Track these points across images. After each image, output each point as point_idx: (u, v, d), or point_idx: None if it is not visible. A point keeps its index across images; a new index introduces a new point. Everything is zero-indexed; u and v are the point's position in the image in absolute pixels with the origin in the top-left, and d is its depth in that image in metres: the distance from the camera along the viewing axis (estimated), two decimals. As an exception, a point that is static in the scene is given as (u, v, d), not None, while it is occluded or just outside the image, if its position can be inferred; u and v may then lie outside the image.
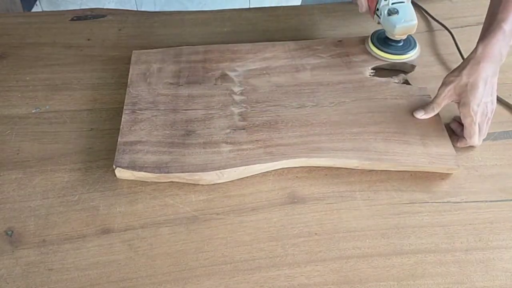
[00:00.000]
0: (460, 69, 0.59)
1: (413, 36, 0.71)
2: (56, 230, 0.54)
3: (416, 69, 0.70)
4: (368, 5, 0.68)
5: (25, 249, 0.52)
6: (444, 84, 0.60)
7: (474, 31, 0.78)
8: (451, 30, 0.77)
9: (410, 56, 0.70)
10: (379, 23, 0.68)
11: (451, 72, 0.60)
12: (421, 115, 0.61)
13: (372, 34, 0.72)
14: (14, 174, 0.59)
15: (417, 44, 0.71)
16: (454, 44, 0.76)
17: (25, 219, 0.54)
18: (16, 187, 0.57)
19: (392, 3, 0.66)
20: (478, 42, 0.60)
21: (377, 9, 0.67)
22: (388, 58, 0.69)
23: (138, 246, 0.52)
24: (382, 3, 0.66)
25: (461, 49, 0.74)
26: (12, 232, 0.53)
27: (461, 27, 0.79)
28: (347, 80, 0.67)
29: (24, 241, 0.53)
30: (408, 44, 0.71)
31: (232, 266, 0.51)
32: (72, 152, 0.61)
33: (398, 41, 0.70)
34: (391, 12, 0.65)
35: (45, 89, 0.69)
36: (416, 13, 0.66)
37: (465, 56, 0.67)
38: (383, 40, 0.70)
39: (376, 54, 0.70)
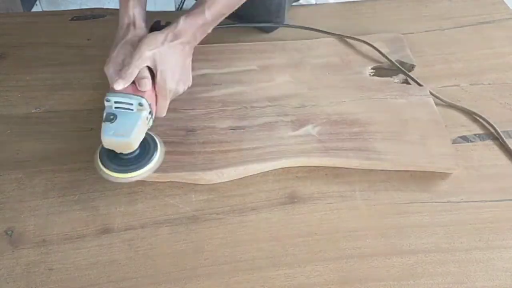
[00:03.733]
0: (162, 38, 0.54)
1: (155, 138, 0.57)
2: (56, 230, 0.54)
3: (416, 68, 0.70)
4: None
5: (25, 249, 0.52)
6: (147, 49, 0.52)
7: (474, 31, 0.78)
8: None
9: (143, 171, 0.54)
10: None
11: (153, 36, 0.53)
12: (121, 85, 0.51)
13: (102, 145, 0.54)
14: (14, 174, 0.59)
15: (157, 151, 0.56)
16: (453, 43, 0.76)
17: (25, 219, 0.54)
18: (16, 187, 0.57)
19: (116, 107, 0.52)
20: (181, 17, 0.56)
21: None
22: (116, 177, 0.54)
23: (138, 246, 0.52)
24: (106, 103, 0.52)
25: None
26: (12, 232, 0.53)
27: (461, 27, 0.79)
28: (347, 79, 0.67)
29: (24, 241, 0.53)
30: (143, 154, 0.55)
31: (232, 266, 0.51)
32: (72, 152, 0.61)
33: (129, 154, 0.54)
34: (107, 118, 0.51)
35: (45, 89, 0.69)
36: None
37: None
38: (113, 153, 0.54)
39: (101, 171, 0.54)
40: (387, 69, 0.70)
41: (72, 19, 0.81)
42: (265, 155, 0.58)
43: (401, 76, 0.68)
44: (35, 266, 0.51)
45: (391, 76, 0.68)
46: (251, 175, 0.58)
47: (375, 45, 0.72)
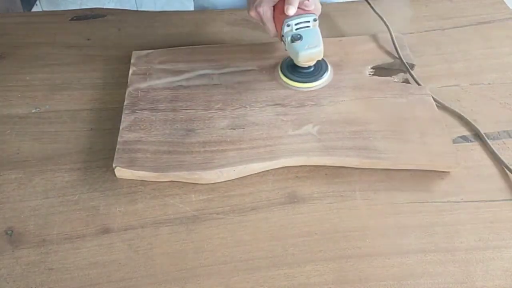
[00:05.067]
0: None
1: (325, 59, 0.67)
2: (56, 230, 0.54)
3: (416, 68, 0.70)
4: (277, 30, 0.63)
5: (25, 249, 0.52)
6: None
7: (474, 31, 0.78)
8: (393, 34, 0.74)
9: (320, 83, 0.65)
10: (286, 49, 0.64)
11: None
12: (293, 10, 0.59)
13: (282, 61, 0.68)
14: (14, 174, 0.59)
15: (329, 68, 0.67)
16: (453, 43, 0.76)
17: (25, 219, 0.55)
18: (16, 187, 0.57)
19: (296, 29, 0.61)
20: None
21: (282, 35, 0.62)
22: (297, 87, 0.65)
23: (138, 246, 0.52)
24: (286, 29, 0.61)
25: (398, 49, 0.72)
26: (12, 232, 0.53)
27: (461, 27, 0.79)
28: (347, 79, 0.67)
29: (24, 241, 0.53)
30: (319, 69, 0.66)
31: (232, 266, 0.51)
32: (72, 152, 0.61)
33: (308, 68, 0.65)
34: (294, 39, 0.61)
35: (45, 89, 0.69)
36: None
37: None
38: (292, 67, 0.66)
39: (285, 83, 0.66)
40: (387, 68, 0.70)
41: (72, 19, 0.81)
42: (264, 154, 0.58)
43: (401, 76, 0.69)
44: (35, 266, 0.51)
45: (391, 76, 0.68)
46: (251, 175, 0.58)
47: (375, 45, 0.72)
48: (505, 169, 0.58)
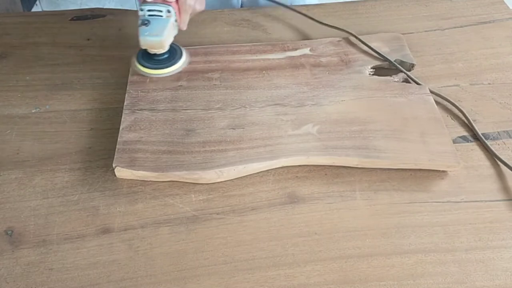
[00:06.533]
0: None
1: (179, 47, 0.69)
2: (56, 230, 0.54)
3: (416, 68, 0.70)
4: None
5: (25, 249, 0.52)
6: None
7: (474, 31, 0.78)
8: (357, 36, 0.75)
9: (173, 69, 0.67)
10: None
11: None
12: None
13: (139, 49, 0.68)
14: (14, 174, 0.59)
15: (184, 55, 0.68)
16: (453, 43, 0.76)
17: (25, 219, 0.55)
18: (16, 187, 0.57)
19: (149, 15, 0.63)
20: None
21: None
22: (150, 73, 0.66)
23: (138, 246, 0.52)
24: (140, 12, 0.63)
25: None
26: (12, 232, 0.53)
27: (461, 26, 0.79)
28: (347, 79, 0.67)
29: (24, 241, 0.53)
30: (173, 56, 0.68)
31: (232, 266, 0.51)
32: (72, 152, 0.61)
33: (161, 54, 0.67)
34: (142, 23, 0.62)
35: (45, 89, 0.69)
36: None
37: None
38: (147, 54, 0.67)
39: (139, 69, 0.67)
40: (387, 68, 0.70)
41: (72, 19, 0.81)
42: (264, 154, 0.58)
43: (401, 75, 0.69)
44: (35, 266, 0.51)
45: (391, 75, 0.68)
46: (251, 175, 0.58)
47: (375, 44, 0.72)
48: (505, 167, 0.58)
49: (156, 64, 0.67)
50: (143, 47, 0.64)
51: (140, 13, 0.63)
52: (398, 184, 0.58)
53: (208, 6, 0.85)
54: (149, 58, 0.67)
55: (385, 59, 0.70)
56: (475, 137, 0.63)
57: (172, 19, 0.64)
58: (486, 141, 0.61)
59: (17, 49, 0.75)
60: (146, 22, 0.62)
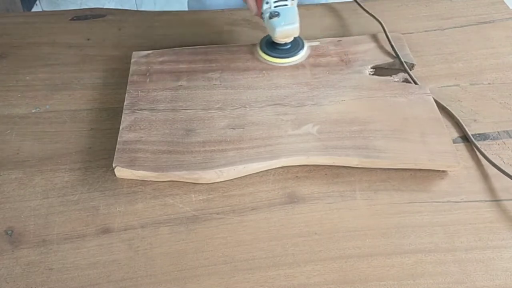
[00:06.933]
0: None
1: (301, 37, 0.70)
2: (56, 230, 0.54)
3: (416, 68, 0.70)
4: (258, 8, 0.67)
5: (25, 248, 0.52)
6: None
7: (474, 31, 0.78)
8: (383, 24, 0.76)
9: (297, 58, 0.69)
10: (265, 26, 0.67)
11: None
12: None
13: (262, 39, 0.71)
14: (14, 174, 0.59)
15: (305, 45, 0.70)
16: (453, 43, 0.76)
17: (25, 219, 0.55)
18: (16, 187, 0.57)
19: (275, 6, 0.65)
20: None
21: (262, 13, 0.66)
22: (274, 62, 0.69)
23: (138, 245, 0.52)
24: (265, 6, 0.65)
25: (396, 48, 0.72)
26: (12, 232, 0.54)
27: (461, 26, 0.79)
28: (347, 79, 0.67)
29: (24, 241, 0.53)
30: (295, 46, 0.70)
31: (232, 266, 0.51)
32: (72, 152, 0.61)
33: (284, 44, 0.69)
34: (272, 15, 0.64)
35: (45, 89, 0.69)
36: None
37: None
38: (271, 44, 0.69)
39: (263, 59, 0.69)
40: (387, 68, 0.70)
41: (72, 19, 0.81)
42: (264, 154, 0.58)
43: (401, 75, 0.69)
44: (35, 266, 0.51)
45: (391, 75, 0.68)
46: (251, 175, 0.58)
47: (374, 44, 0.72)
48: (498, 171, 0.58)
49: (281, 53, 0.69)
50: (280, 38, 0.66)
51: (266, 6, 0.65)
52: (398, 184, 0.58)
53: (224, 5, 0.85)
54: (274, 48, 0.69)
55: (397, 57, 0.70)
56: (475, 137, 0.63)
57: (295, 4, 0.66)
58: (476, 142, 0.61)
59: (17, 49, 0.75)
60: (276, 13, 0.64)
